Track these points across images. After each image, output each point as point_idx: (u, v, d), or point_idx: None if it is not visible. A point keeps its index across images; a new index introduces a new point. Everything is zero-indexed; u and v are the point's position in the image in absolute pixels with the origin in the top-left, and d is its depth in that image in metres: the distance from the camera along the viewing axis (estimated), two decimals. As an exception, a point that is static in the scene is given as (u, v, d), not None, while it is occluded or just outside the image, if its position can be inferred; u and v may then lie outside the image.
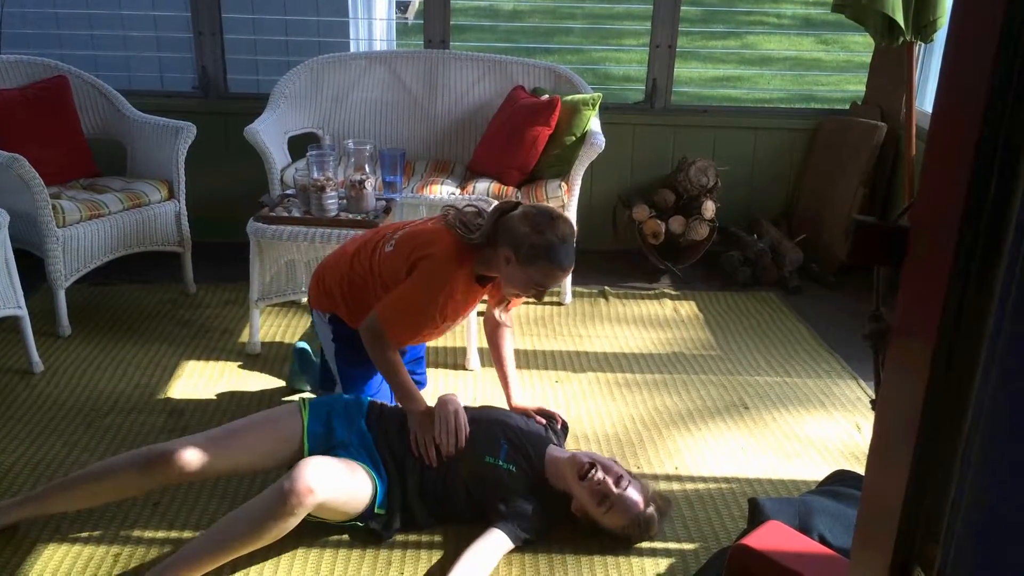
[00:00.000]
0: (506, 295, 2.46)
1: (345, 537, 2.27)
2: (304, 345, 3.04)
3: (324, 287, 2.59)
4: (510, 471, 2.28)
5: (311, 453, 2.22)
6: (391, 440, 2.33)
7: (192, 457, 2.13)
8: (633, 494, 2.22)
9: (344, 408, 2.37)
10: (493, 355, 2.72)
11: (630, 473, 2.30)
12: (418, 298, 2.34)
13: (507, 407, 2.64)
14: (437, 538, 2.29)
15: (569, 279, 3.75)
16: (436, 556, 2.23)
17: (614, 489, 2.20)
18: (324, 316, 2.60)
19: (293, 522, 2.04)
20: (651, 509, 2.24)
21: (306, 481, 2.01)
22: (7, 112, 3.55)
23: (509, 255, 2.26)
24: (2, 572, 2.12)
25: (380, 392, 2.62)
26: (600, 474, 2.21)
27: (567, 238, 2.27)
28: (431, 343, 3.17)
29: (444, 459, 2.29)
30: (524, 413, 2.56)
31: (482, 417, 2.41)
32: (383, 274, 2.43)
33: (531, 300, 2.46)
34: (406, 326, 2.38)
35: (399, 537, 2.28)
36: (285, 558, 2.19)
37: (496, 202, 2.38)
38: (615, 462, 2.31)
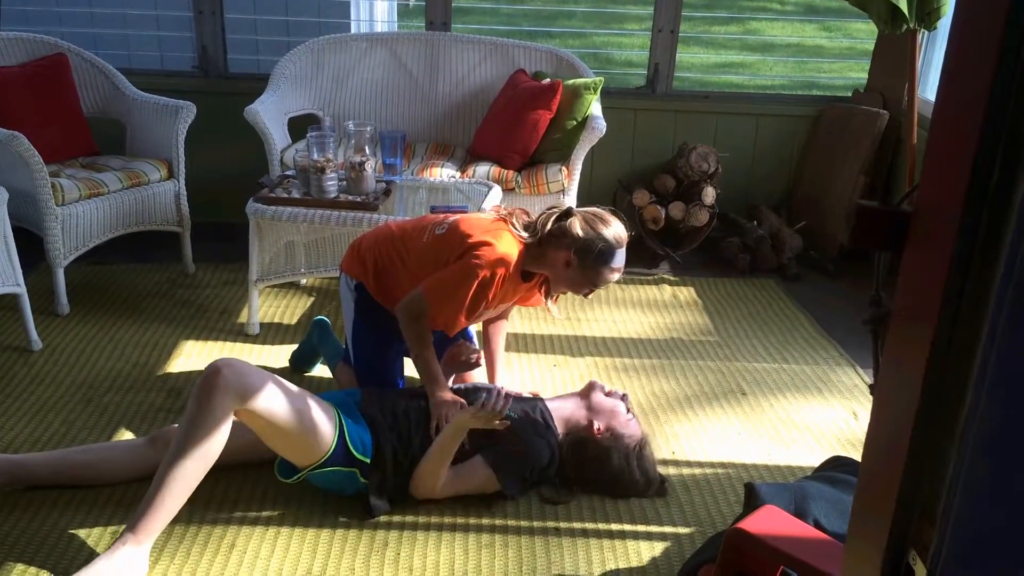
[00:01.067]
0: (554, 292, 2.57)
1: (342, 518, 2.28)
2: (324, 318, 3.04)
3: (359, 255, 2.62)
4: (510, 416, 2.33)
5: None
6: (388, 404, 2.37)
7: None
8: (626, 419, 2.49)
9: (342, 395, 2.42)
10: (485, 338, 2.80)
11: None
12: (468, 282, 2.36)
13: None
14: (433, 519, 2.30)
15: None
16: (431, 536, 2.24)
17: (626, 402, 2.51)
18: (351, 282, 2.62)
19: (220, 416, 2.05)
20: (642, 432, 2.50)
21: (218, 363, 2.06)
22: (6, 89, 3.54)
23: (570, 258, 2.39)
24: (0, 548, 2.13)
25: (386, 368, 2.63)
26: (620, 395, 2.53)
27: (624, 241, 2.42)
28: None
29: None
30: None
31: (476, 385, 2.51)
32: (423, 256, 2.48)
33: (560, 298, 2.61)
34: (450, 308, 2.40)
35: (395, 518, 2.29)
36: (282, 538, 2.20)
37: (558, 208, 2.48)
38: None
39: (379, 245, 2.58)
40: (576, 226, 2.39)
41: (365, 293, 2.59)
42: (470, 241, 2.39)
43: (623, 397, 2.53)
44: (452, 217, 2.54)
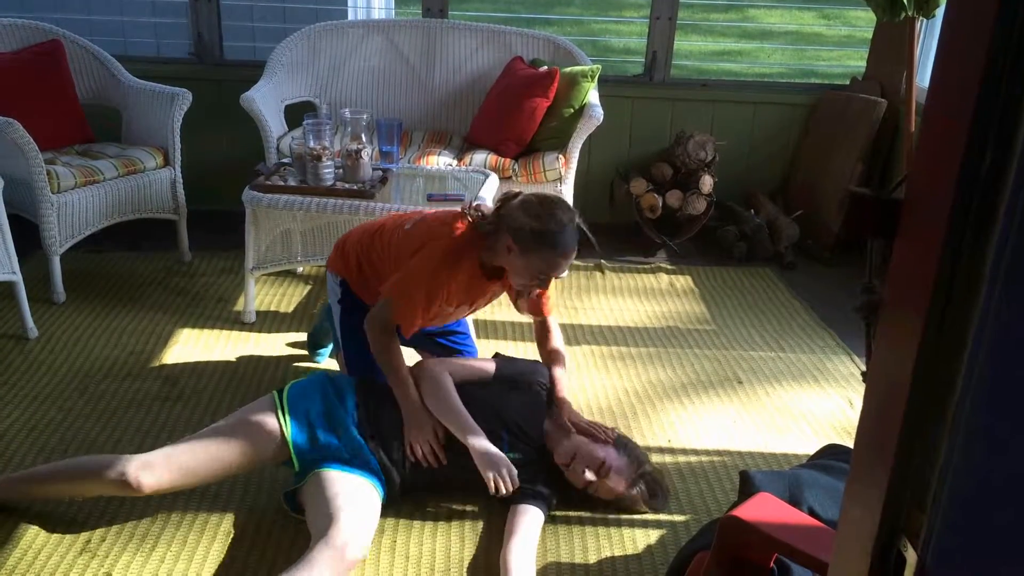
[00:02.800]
0: (516, 287, 2.41)
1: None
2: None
3: (343, 253, 2.59)
4: (515, 458, 2.26)
5: (300, 467, 2.18)
6: (383, 429, 2.28)
7: (158, 482, 2.08)
8: (615, 480, 2.27)
9: (325, 409, 2.27)
10: (543, 358, 2.60)
11: (624, 445, 2.33)
12: (421, 276, 2.30)
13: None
14: (430, 508, 2.31)
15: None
16: (428, 524, 2.25)
17: (592, 478, 2.25)
18: (336, 279, 2.60)
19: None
20: (635, 491, 2.29)
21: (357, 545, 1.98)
22: (1, 76, 3.52)
23: (510, 243, 2.24)
24: (-3, 535, 2.14)
25: (373, 363, 2.62)
26: (579, 468, 2.25)
27: (565, 223, 2.23)
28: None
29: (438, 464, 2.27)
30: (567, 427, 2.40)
31: (477, 405, 2.33)
32: (391, 254, 2.44)
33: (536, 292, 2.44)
34: (407, 306, 2.32)
35: (392, 506, 2.29)
36: (278, 526, 2.20)
37: (505, 193, 2.37)
38: (608, 430, 2.36)
39: (360, 242, 2.55)
40: (513, 209, 2.26)
41: (349, 289, 2.57)
42: (426, 237, 2.34)
43: (599, 469, 2.26)
44: (420, 214, 2.48)
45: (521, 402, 2.39)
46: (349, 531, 1.97)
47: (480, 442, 2.21)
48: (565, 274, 2.39)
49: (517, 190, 2.39)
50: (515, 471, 2.18)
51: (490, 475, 2.16)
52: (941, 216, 0.76)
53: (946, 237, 0.76)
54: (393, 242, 2.46)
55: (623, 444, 2.34)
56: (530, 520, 2.19)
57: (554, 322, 2.60)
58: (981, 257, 0.72)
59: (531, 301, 2.54)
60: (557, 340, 2.59)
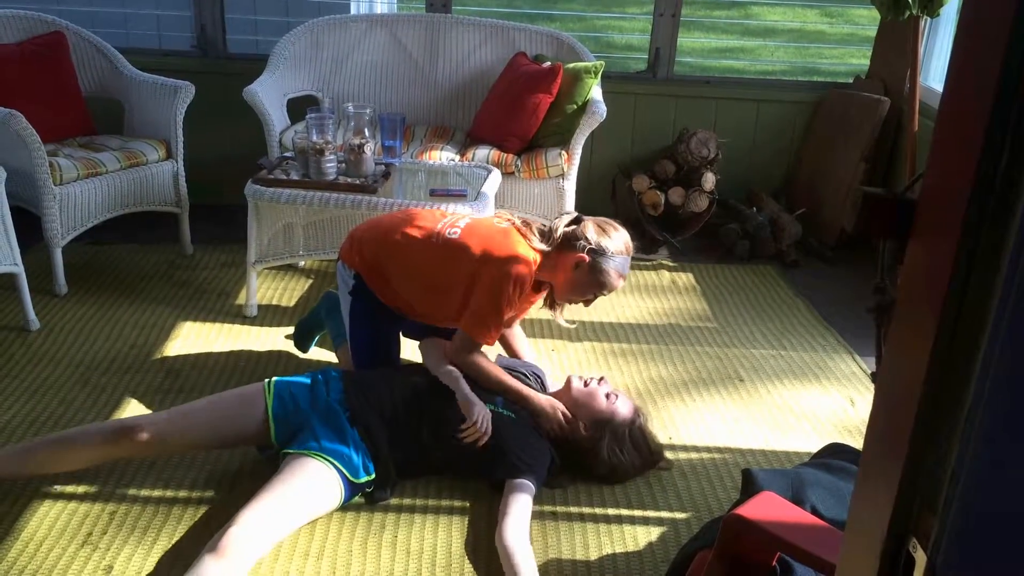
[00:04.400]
0: (560, 301, 2.58)
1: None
2: (335, 292, 3.03)
3: (358, 246, 2.59)
4: (508, 416, 2.34)
5: (277, 435, 2.25)
6: (376, 401, 2.31)
7: (156, 432, 2.19)
8: (622, 394, 2.48)
9: (310, 393, 2.33)
10: (507, 351, 2.79)
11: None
12: (501, 299, 2.39)
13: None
14: (431, 502, 2.31)
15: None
16: (429, 519, 2.25)
17: (603, 385, 2.46)
18: (351, 272, 2.59)
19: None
20: (629, 424, 2.43)
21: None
22: (3, 68, 3.51)
23: (581, 260, 2.40)
24: (-2, 527, 2.13)
25: (384, 352, 2.62)
26: (595, 380, 2.48)
27: (632, 250, 2.50)
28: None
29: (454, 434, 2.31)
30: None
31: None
32: (428, 258, 2.47)
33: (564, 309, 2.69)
34: (488, 325, 2.42)
35: (393, 500, 2.29)
36: (280, 519, 2.20)
37: (569, 214, 2.56)
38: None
39: (377, 240, 2.55)
40: (590, 229, 2.44)
41: (362, 282, 2.57)
42: (494, 255, 2.40)
43: (600, 380, 2.49)
44: (462, 221, 2.53)
45: (513, 374, 2.50)
46: (240, 534, 1.96)
47: (466, 392, 2.34)
48: None
49: (576, 213, 2.56)
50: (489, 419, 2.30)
51: (475, 413, 2.28)
52: (956, 216, 0.76)
53: (961, 237, 0.75)
54: (428, 247, 2.47)
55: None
56: (521, 496, 2.23)
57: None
58: (997, 258, 0.72)
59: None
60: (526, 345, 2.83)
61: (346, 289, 2.62)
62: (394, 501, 2.29)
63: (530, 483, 2.26)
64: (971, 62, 0.77)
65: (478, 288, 2.40)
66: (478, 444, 2.27)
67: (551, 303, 2.63)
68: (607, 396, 2.43)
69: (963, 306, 0.76)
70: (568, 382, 2.49)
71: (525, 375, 2.56)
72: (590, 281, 2.44)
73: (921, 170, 0.94)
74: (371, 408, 2.29)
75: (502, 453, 2.29)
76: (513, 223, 2.52)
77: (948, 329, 0.77)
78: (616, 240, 2.45)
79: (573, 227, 2.47)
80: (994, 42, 0.72)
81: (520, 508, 2.19)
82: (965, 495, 0.74)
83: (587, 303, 2.54)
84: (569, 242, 2.44)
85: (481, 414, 2.29)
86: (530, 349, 2.86)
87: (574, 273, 2.43)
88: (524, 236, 2.47)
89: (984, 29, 0.75)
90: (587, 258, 2.40)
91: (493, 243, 2.43)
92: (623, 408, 2.42)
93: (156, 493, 2.29)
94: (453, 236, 2.46)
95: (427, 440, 2.30)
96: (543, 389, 2.57)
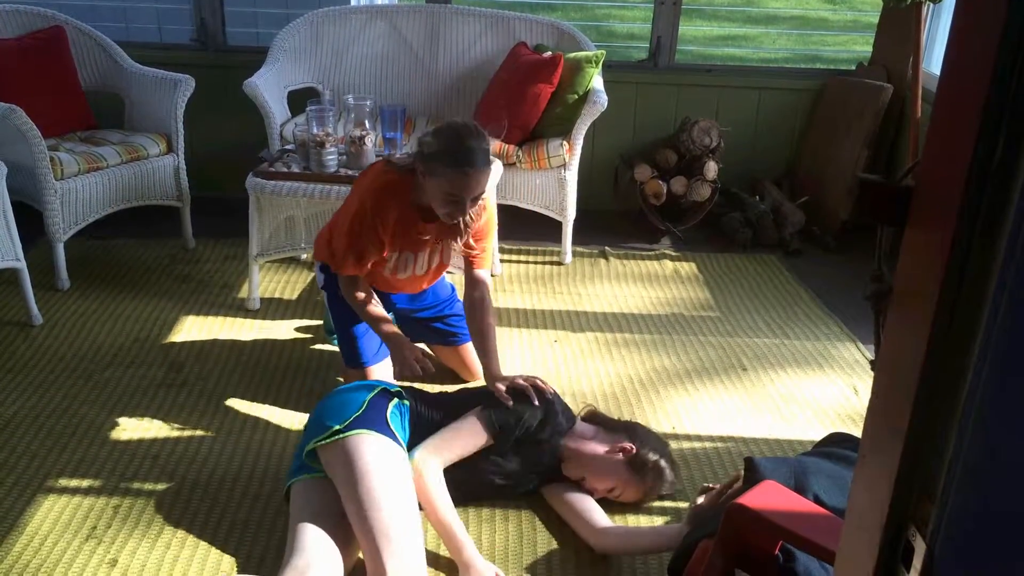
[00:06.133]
0: (442, 217, 2.38)
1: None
2: None
3: (321, 236, 2.64)
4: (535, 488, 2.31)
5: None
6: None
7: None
8: (630, 494, 2.26)
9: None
10: (471, 327, 2.52)
11: (633, 458, 2.26)
12: (350, 216, 2.39)
13: (486, 379, 2.44)
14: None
15: (569, 239, 3.74)
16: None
17: (608, 495, 2.26)
18: (318, 265, 2.70)
19: None
20: (652, 489, 2.27)
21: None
22: (3, 63, 3.51)
23: (421, 169, 2.30)
24: (2, 522, 2.14)
25: (364, 342, 2.63)
26: (592, 487, 2.26)
27: (468, 140, 2.23)
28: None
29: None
30: (506, 383, 2.31)
31: (505, 473, 2.27)
32: (342, 216, 2.51)
33: (464, 226, 2.44)
34: (339, 245, 2.42)
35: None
36: (284, 513, 2.21)
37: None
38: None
39: (328, 223, 2.64)
40: (425, 140, 2.30)
41: (328, 270, 2.60)
42: (360, 182, 2.46)
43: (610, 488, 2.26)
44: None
45: (537, 452, 2.27)
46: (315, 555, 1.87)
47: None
48: (486, 200, 2.41)
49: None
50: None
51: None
52: (952, 203, 0.75)
53: (958, 224, 0.75)
54: (340, 209, 2.56)
55: (634, 454, 2.25)
56: (577, 496, 2.22)
57: (487, 289, 2.54)
58: (993, 245, 0.71)
59: (465, 246, 2.51)
60: (490, 314, 2.51)
61: (321, 285, 2.71)
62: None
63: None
64: (966, 48, 0.77)
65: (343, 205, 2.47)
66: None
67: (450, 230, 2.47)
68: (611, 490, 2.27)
69: (960, 293, 0.75)
70: (617, 452, 2.24)
71: (559, 414, 2.30)
72: (436, 187, 2.27)
73: (920, 158, 0.94)
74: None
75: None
76: (384, 158, 2.53)
77: (945, 316, 0.76)
78: (442, 138, 2.26)
79: (417, 140, 2.36)
80: (989, 28, 0.72)
81: (584, 507, 2.18)
82: (963, 483, 0.74)
83: (456, 210, 2.31)
84: (416, 157, 2.34)
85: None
86: (496, 355, 2.50)
87: (425, 186, 2.31)
88: (388, 162, 2.46)
89: (979, 15, 0.75)
90: (422, 167, 2.28)
91: (362, 183, 2.47)
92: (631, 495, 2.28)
93: (160, 487, 2.30)
94: (348, 194, 2.55)
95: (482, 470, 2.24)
96: (568, 424, 2.36)
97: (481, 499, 2.28)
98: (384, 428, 2.07)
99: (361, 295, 2.49)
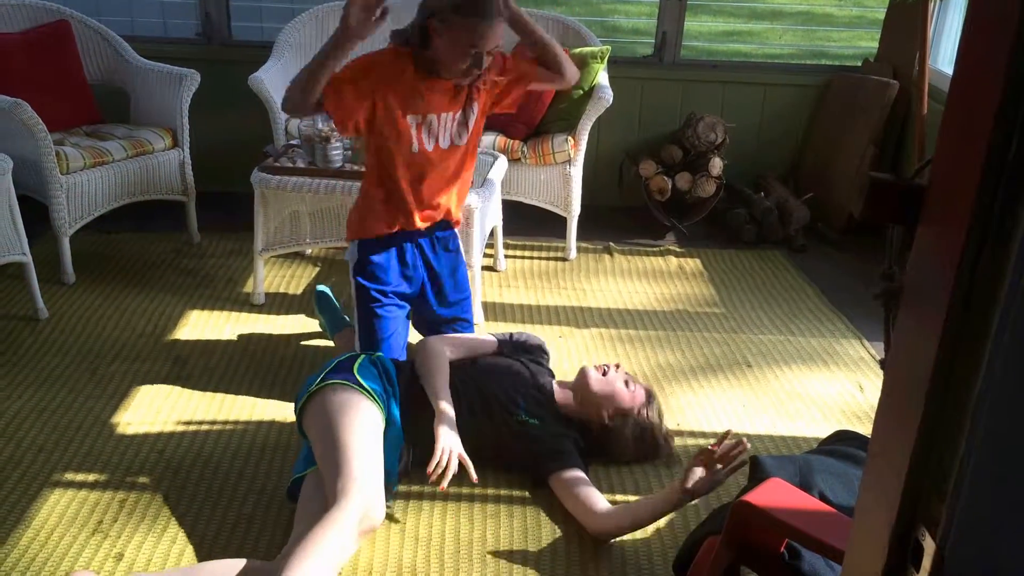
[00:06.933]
0: (456, 79, 2.41)
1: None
2: (324, 288, 3.04)
3: (354, 213, 2.67)
4: (535, 424, 2.33)
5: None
6: (413, 411, 2.33)
7: None
8: (638, 391, 2.43)
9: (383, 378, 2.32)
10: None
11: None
12: (348, 64, 2.39)
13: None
14: (439, 489, 2.31)
15: (574, 235, 3.74)
16: (437, 506, 2.25)
17: (620, 372, 2.43)
18: (353, 244, 2.67)
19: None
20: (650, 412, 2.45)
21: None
22: (8, 57, 3.51)
23: (434, 25, 2.30)
24: (8, 516, 2.15)
25: (384, 332, 2.62)
26: (613, 368, 2.43)
27: None
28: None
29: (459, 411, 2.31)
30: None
31: (495, 376, 2.42)
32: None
33: (482, 78, 2.46)
34: (336, 83, 2.39)
35: (401, 487, 2.30)
36: (287, 509, 2.21)
37: None
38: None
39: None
40: None
41: (361, 248, 2.61)
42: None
43: (616, 367, 2.45)
44: None
45: (530, 370, 2.47)
46: (366, 496, 1.93)
47: (446, 415, 2.27)
48: (498, 47, 2.40)
49: None
50: (459, 460, 2.20)
51: (441, 448, 2.20)
52: (965, 202, 0.75)
53: (970, 223, 0.75)
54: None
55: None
56: (579, 484, 2.24)
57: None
58: (1005, 248, 0.71)
59: (489, 92, 2.57)
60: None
61: (352, 264, 2.65)
62: (402, 488, 2.30)
63: (580, 468, 2.28)
64: (980, 46, 0.76)
65: None
66: (440, 482, 2.19)
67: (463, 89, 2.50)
68: (626, 383, 2.41)
69: (972, 292, 0.75)
70: (584, 373, 2.43)
71: (530, 352, 2.57)
72: (452, 42, 2.30)
73: (930, 154, 0.93)
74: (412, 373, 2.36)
75: (535, 459, 2.31)
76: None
77: (957, 315, 0.76)
78: None
79: (422, 6, 2.35)
80: (1005, 25, 0.71)
81: (589, 491, 2.21)
82: (974, 483, 0.74)
83: (474, 65, 2.35)
84: (421, 20, 2.34)
85: (447, 448, 2.20)
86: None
87: (438, 44, 2.33)
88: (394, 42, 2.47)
89: (993, 11, 0.74)
90: (436, 23, 2.29)
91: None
92: (641, 395, 2.42)
93: (166, 481, 2.30)
94: None
95: (474, 404, 2.33)
96: (546, 367, 2.58)
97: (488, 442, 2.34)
98: (350, 377, 2.17)
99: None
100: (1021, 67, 0.72)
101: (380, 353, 2.41)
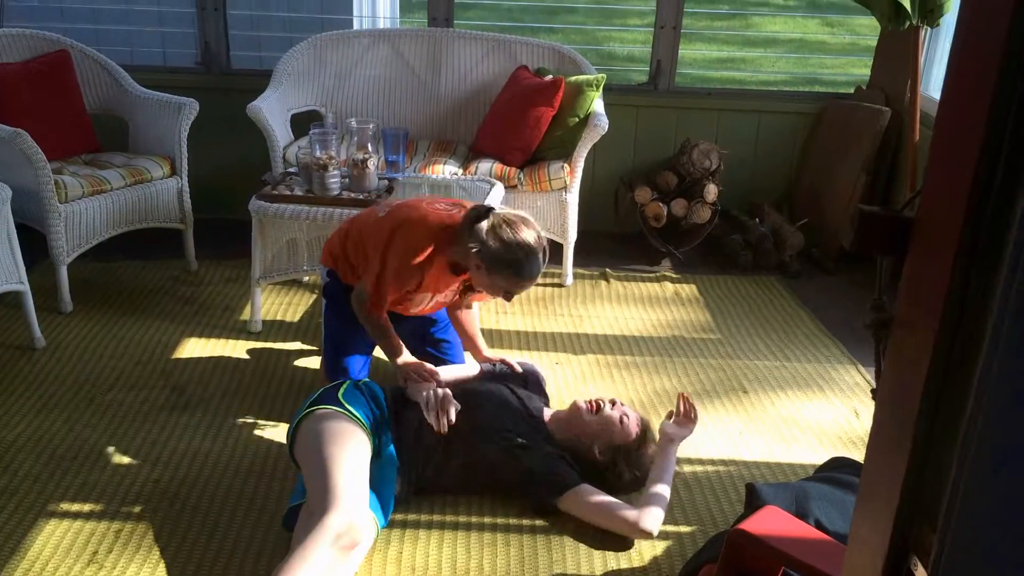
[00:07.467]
0: (480, 290, 2.55)
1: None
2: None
3: (330, 246, 2.72)
4: (523, 444, 2.34)
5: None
6: (404, 434, 2.36)
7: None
8: (634, 413, 2.47)
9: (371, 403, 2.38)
10: (454, 322, 2.80)
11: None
12: (392, 257, 2.42)
13: (475, 361, 2.80)
14: (435, 518, 2.31)
15: (570, 261, 3.76)
16: (433, 535, 2.25)
17: (624, 408, 2.45)
18: (324, 271, 2.76)
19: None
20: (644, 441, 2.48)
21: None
22: (9, 86, 3.54)
23: (478, 262, 2.36)
24: (4, 546, 2.14)
25: (349, 348, 2.68)
26: (607, 401, 2.44)
27: (532, 251, 2.34)
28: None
29: (450, 435, 2.31)
30: (492, 362, 2.73)
31: (483, 409, 2.41)
32: (368, 235, 2.55)
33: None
34: (377, 282, 2.45)
35: (397, 516, 2.29)
36: (284, 537, 2.21)
37: (479, 207, 2.45)
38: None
39: (342, 231, 2.69)
40: (483, 232, 2.33)
41: (336, 278, 2.70)
42: (398, 220, 2.46)
43: (612, 404, 2.44)
44: (396, 202, 2.65)
45: (519, 397, 2.50)
46: (349, 516, 1.97)
47: (409, 362, 2.44)
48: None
49: (488, 205, 2.49)
50: (445, 393, 2.29)
51: (424, 397, 2.27)
52: (952, 235, 0.76)
53: (957, 255, 0.76)
54: (369, 225, 2.57)
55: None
56: (594, 494, 2.28)
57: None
58: (992, 279, 0.72)
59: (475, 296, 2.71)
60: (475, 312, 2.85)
61: (324, 288, 2.76)
62: (398, 517, 2.29)
63: (585, 485, 2.30)
64: (965, 82, 0.78)
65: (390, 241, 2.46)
66: (439, 430, 2.25)
67: (472, 287, 2.59)
68: (620, 421, 2.40)
69: (960, 323, 0.76)
70: (575, 410, 2.44)
71: (524, 377, 2.62)
72: (491, 283, 2.39)
73: (921, 181, 0.95)
74: (403, 426, 2.37)
75: (535, 484, 2.31)
76: (440, 202, 2.54)
77: (945, 345, 0.77)
78: (511, 245, 2.31)
79: (473, 224, 2.35)
80: (987, 64, 0.73)
81: (600, 500, 2.26)
82: (964, 513, 0.74)
83: (504, 299, 2.46)
84: (470, 238, 2.35)
85: (428, 393, 2.28)
86: (482, 340, 2.85)
87: (477, 272, 2.39)
88: (442, 212, 2.47)
89: (977, 48, 0.76)
90: (483, 263, 2.35)
91: (406, 209, 2.50)
92: (633, 430, 2.42)
93: (162, 511, 2.30)
94: (382, 215, 2.55)
95: (465, 433, 2.33)
96: (542, 395, 2.62)
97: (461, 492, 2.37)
98: (335, 403, 2.25)
99: (383, 320, 2.54)
100: (1004, 103, 0.73)
101: (366, 380, 2.45)
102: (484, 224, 2.34)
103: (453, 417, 2.25)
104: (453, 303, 2.72)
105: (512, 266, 2.33)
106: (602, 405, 2.43)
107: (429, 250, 2.40)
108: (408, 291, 2.49)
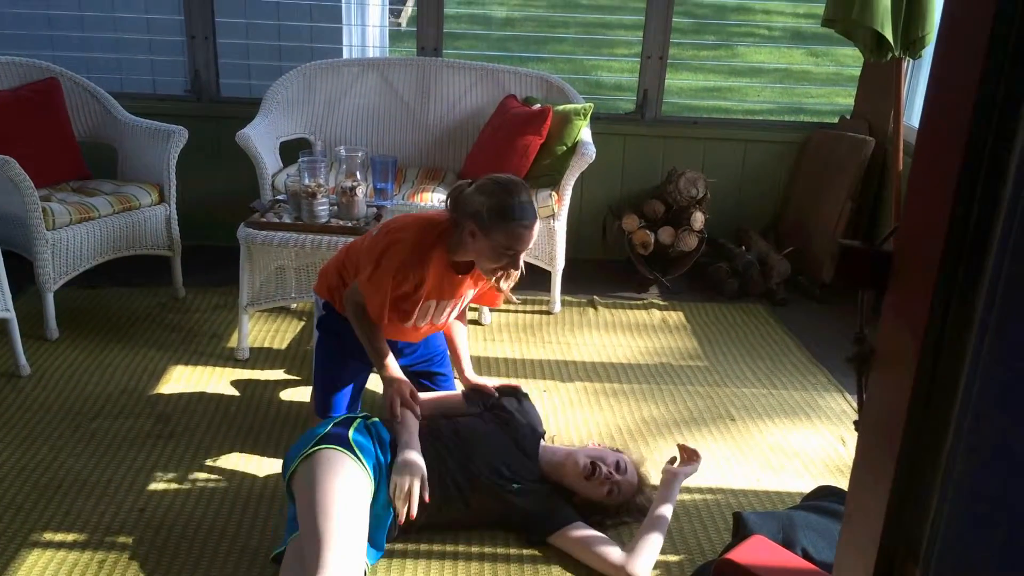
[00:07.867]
0: (485, 274, 2.44)
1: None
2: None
3: (325, 275, 2.68)
4: (519, 488, 2.32)
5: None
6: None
7: None
8: (632, 473, 2.41)
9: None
10: (446, 337, 2.78)
11: (615, 449, 2.53)
12: (388, 267, 2.35)
13: (460, 381, 2.77)
14: (423, 546, 2.30)
15: (558, 289, 3.77)
16: (420, 564, 2.23)
17: (618, 477, 2.36)
18: (320, 301, 2.70)
19: None
20: (643, 469, 2.49)
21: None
22: (-2, 113, 3.54)
23: (472, 228, 2.30)
24: (-14, 577, 2.12)
25: (338, 380, 2.64)
26: (604, 469, 2.35)
27: (517, 187, 2.31)
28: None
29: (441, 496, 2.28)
30: (481, 388, 2.66)
31: (474, 450, 2.37)
32: (362, 258, 2.49)
33: (510, 278, 2.47)
34: (375, 295, 2.39)
35: (385, 545, 2.28)
36: (271, 568, 2.19)
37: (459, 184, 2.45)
38: (601, 446, 2.51)
39: (338, 261, 2.65)
40: (469, 195, 2.32)
41: (331, 310, 2.64)
42: (388, 238, 2.40)
43: (613, 469, 2.37)
44: (384, 220, 2.63)
45: (509, 434, 2.45)
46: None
47: (409, 452, 2.25)
48: (529, 245, 2.41)
49: (468, 179, 2.45)
50: (424, 485, 2.20)
51: (402, 481, 2.18)
52: (931, 269, 0.78)
53: (936, 289, 0.77)
54: (362, 249, 2.53)
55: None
56: (584, 533, 2.27)
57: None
58: (970, 312, 0.73)
59: (487, 294, 2.65)
60: (463, 328, 2.80)
61: (316, 321, 2.70)
62: (387, 546, 2.28)
63: (578, 522, 2.29)
64: (941, 119, 0.80)
65: (382, 258, 2.40)
66: (401, 520, 2.18)
67: (492, 281, 2.51)
68: (608, 492, 2.35)
69: (939, 357, 0.77)
70: (573, 464, 2.37)
71: (520, 420, 2.52)
72: (491, 246, 2.30)
73: (898, 224, 0.96)
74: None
75: (529, 520, 2.32)
76: (430, 209, 2.53)
77: (926, 379, 0.78)
78: (498, 195, 2.28)
79: (457, 196, 2.36)
80: (961, 102, 0.74)
81: (594, 538, 2.25)
82: (946, 545, 0.75)
83: (511, 266, 2.37)
84: (460, 214, 2.34)
85: (409, 482, 2.18)
86: (469, 360, 2.79)
87: (475, 244, 2.32)
88: (434, 212, 2.47)
89: (952, 86, 0.78)
90: (476, 225, 2.29)
91: (396, 223, 2.46)
92: (629, 490, 2.39)
93: (147, 541, 2.28)
94: (374, 234, 2.50)
95: (459, 479, 2.30)
96: (536, 419, 2.59)
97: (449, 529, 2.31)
98: (345, 444, 2.16)
99: (378, 335, 2.49)
100: (979, 142, 0.75)
101: (375, 418, 2.36)
102: (466, 190, 2.35)
103: (415, 512, 2.17)
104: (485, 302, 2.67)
105: (505, 211, 2.26)
106: (598, 472, 2.34)
107: (425, 241, 2.36)
108: (407, 292, 2.41)
